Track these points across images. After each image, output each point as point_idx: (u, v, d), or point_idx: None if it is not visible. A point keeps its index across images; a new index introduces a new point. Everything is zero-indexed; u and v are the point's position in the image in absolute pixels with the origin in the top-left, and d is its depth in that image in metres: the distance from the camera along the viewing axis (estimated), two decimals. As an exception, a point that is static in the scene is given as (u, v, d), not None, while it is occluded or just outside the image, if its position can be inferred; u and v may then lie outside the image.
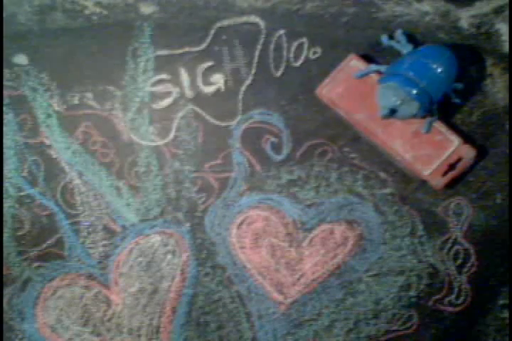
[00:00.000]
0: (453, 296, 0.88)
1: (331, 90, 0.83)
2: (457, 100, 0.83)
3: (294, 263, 0.88)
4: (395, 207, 0.88)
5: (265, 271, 0.88)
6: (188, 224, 0.89)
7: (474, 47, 0.87)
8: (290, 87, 0.88)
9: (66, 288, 0.88)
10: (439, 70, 0.78)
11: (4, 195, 0.88)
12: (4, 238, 0.88)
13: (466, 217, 0.88)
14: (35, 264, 0.88)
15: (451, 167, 0.82)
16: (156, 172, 0.88)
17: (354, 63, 0.83)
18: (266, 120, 0.88)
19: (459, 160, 0.82)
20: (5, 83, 0.88)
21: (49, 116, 0.88)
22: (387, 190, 0.88)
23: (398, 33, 0.83)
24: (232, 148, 0.88)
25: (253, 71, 0.87)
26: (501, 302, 0.89)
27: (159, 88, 0.88)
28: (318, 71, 0.87)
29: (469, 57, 0.87)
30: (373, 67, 0.82)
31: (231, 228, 0.88)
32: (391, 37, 0.84)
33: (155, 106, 0.88)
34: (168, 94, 0.88)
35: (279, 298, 0.88)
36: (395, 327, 0.89)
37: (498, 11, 0.87)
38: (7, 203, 0.88)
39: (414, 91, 0.77)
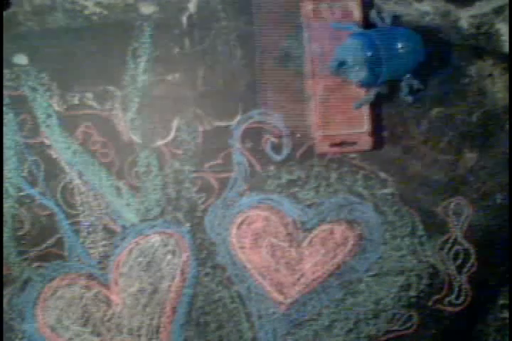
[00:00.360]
0: (453, 296, 0.88)
1: (316, 11, 0.84)
2: (408, 97, 0.83)
3: (294, 263, 0.88)
4: (395, 207, 0.88)
5: (265, 271, 0.88)
6: (188, 224, 0.89)
7: (474, 47, 0.87)
8: (290, 86, 0.87)
9: (66, 288, 0.88)
10: (402, 53, 0.78)
11: (4, 195, 0.88)
12: (4, 238, 0.88)
13: (466, 217, 0.88)
14: (35, 264, 0.88)
15: (341, 144, 0.84)
16: (156, 172, 0.88)
17: (351, 5, 0.84)
18: (266, 120, 0.88)
19: (353, 143, 0.84)
20: (5, 83, 0.88)
21: (49, 116, 0.88)
22: (387, 190, 0.88)
23: (387, 15, 0.83)
24: (232, 148, 0.88)
25: (253, 71, 0.87)
26: (501, 302, 0.89)
27: (159, 88, 0.88)
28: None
29: (469, 57, 0.87)
30: (352, 26, 0.82)
31: (231, 228, 0.88)
32: (380, 14, 0.84)
33: (155, 106, 0.88)
34: (168, 93, 0.88)
35: (279, 298, 0.88)
36: (395, 327, 0.89)
37: (498, 11, 0.87)
38: (7, 203, 0.88)
39: (369, 54, 0.77)
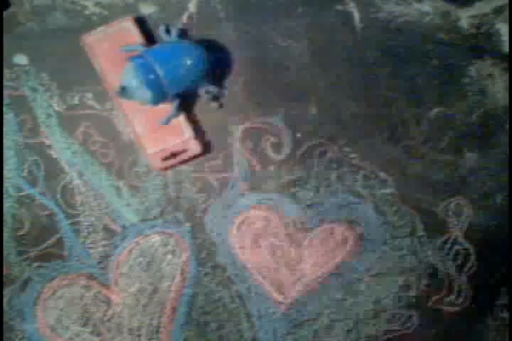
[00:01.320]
0: (453, 296, 0.88)
1: (97, 42, 0.84)
2: (213, 104, 0.86)
3: (294, 263, 0.88)
4: (395, 207, 0.88)
5: (265, 270, 0.88)
6: (188, 224, 0.89)
7: (474, 47, 0.87)
8: (290, 87, 0.88)
9: (66, 288, 0.88)
10: (187, 65, 0.79)
11: (4, 195, 0.88)
12: (4, 238, 0.88)
13: (466, 217, 0.88)
14: (35, 264, 0.88)
15: (174, 155, 0.85)
16: (156, 173, 0.88)
17: (127, 25, 0.83)
18: (266, 120, 0.88)
19: (184, 151, 0.85)
20: (5, 83, 0.88)
21: (49, 116, 0.88)
22: (387, 190, 0.88)
23: (174, 29, 0.84)
24: (232, 148, 0.88)
25: (253, 71, 0.87)
26: (501, 302, 0.89)
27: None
28: (318, 70, 0.87)
29: (469, 57, 0.87)
30: (138, 47, 0.82)
31: (231, 228, 0.88)
32: (168, 30, 0.84)
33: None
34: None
35: (279, 298, 0.88)
36: (395, 327, 0.89)
37: (498, 11, 0.87)
38: (7, 203, 0.88)
39: (149, 78, 0.78)
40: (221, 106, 0.87)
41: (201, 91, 0.84)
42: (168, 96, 0.81)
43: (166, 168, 0.87)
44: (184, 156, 0.85)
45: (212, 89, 0.84)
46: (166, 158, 0.85)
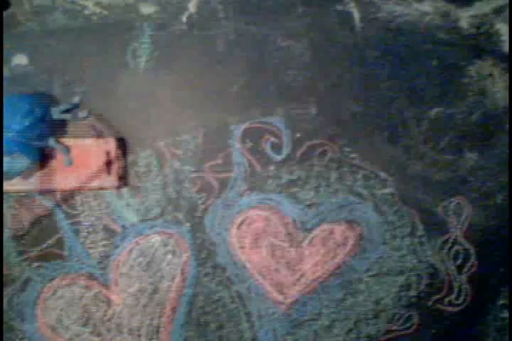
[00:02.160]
0: (453, 296, 0.88)
1: None
2: (66, 159, 0.86)
3: (294, 263, 0.88)
4: (395, 207, 0.88)
5: (265, 271, 0.88)
6: (188, 224, 0.89)
7: (474, 47, 0.87)
8: (290, 87, 0.88)
9: (66, 288, 0.88)
10: (21, 121, 0.81)
11: (4, 195, 0.88)
12: (4, 238, 0.88)
13: (466, 217, 0.88)
14: (35, 264, 0.88)
15: (110, 163, 0.86)
16: (156, 173, 0.88)
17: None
18: (266, 120, 0.88)
19: (109, 153, 0.86)
20: (5, 83, 0.88)
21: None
22: (387, 190, 0.88)
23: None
24: (232, 148, 0.88)
25: (253, 71, 0.87)
26: (501, 302, 0.89)
27: (159, 88, 0.88)
28: (318, 70, 0.87)
29: (469, 57, 0.87)
30: None
31: (231, 228, 0.88)
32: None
33: (155, 106, 0.88)
34: (168, 93, 0.88)
35: (279, 298, 0.88)
36: (395, 327, 0.89)
37: (498, 11, 0.87)
38: (7, 203, 0.88)
39: (13, 148, 0.80)
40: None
41: (51, 145, 0.84)
42: (37, 154, 0.82)
43: (123, 177, 0.87)
44: (114, 155, 0.86)
45: (52, 144, 0.84)
46: (109, 171, 0.86)
